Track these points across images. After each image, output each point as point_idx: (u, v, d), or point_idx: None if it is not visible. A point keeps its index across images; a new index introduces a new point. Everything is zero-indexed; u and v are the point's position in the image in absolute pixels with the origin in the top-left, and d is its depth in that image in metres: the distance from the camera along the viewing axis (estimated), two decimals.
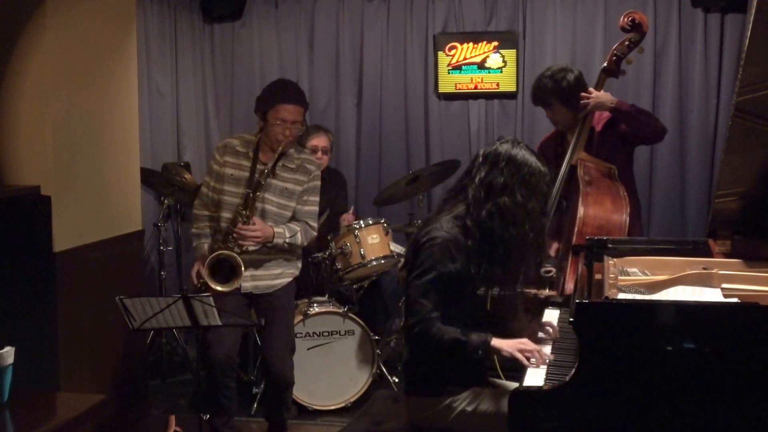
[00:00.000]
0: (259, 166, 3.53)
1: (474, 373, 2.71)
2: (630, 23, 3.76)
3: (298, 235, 3.60)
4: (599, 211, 3.58)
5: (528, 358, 2.54)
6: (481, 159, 2.66)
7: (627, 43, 3.77)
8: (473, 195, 2.60)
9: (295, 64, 5.54)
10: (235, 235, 3.45)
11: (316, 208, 3.71)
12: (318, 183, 3.70)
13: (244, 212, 3.44)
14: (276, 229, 3.52)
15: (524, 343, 2.59)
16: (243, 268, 3.43)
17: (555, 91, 3.83)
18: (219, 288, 3.42)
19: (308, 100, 3.67)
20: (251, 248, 3.50)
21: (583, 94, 3.76)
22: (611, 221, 3.56)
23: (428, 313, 2.52)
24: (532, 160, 2.62)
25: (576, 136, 3.78)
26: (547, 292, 3.58)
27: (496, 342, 2.56)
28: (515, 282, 2.70)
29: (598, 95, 3.74)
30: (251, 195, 3.46)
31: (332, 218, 4.82)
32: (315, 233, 3.73)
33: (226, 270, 3.45)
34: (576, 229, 3.53)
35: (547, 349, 2.66)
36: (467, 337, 2.53)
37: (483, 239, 2.58)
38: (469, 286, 2.62)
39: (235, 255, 3.43)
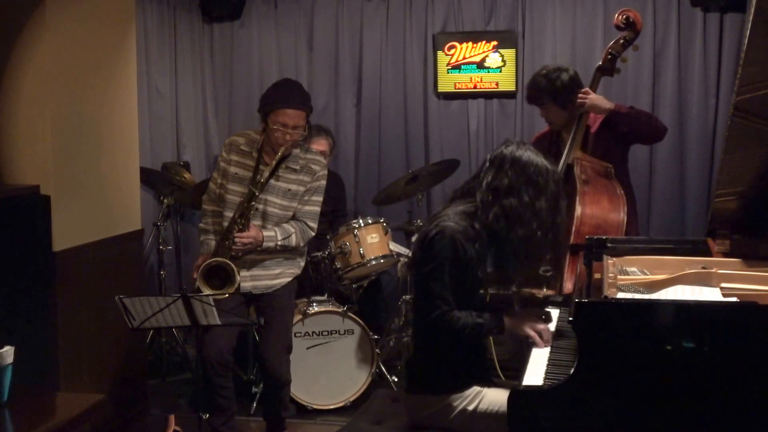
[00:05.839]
0: (263, 168, 3.50)
1: (474, 372, 2.71)
2: (624, 21, 3.74)
3: (293, 236, 3.56)
4: (596, 210, 3.58)
5: (539, 335, 2.65)
6: (487, 164, 2.70)
7: (621, 41, 3.76)
8: (481, 199, 2.64)
9: (294, 63, 5.54)
10: (232, 241, 3.43)
11: (317, 209, 3.66)
12: (323, 183, 3.66)
13: (239, 220, 3.43)
14: (266, 233, 3.48)
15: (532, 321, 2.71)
16: (237, 274, 3.40)
17: (548, 90, 3.83)
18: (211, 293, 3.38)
19: None
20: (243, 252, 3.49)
21: (580, 93, 3.75)
22: (608, 220, 3.56)
23: (449, 305, 2.57)
24: (538, 159, 2.65)
25: (572, 135, 3.77)
26: (544, 291, 3.58)
27: (508, 321, 2.66)
28: (525, 281, 2.75)
29: (593, 97, 3.73)
30: (246, 204, 3.43)
31: (333, 220, 4.82)
32: (313, 233, 3.68)
33: (221, 275, 3.42)
34: (573, 228, 3.53)
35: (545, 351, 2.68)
36: (483, 318, 2.61)
37: (490, 242, 2.63)
38: (473, 279, 2.66)
39: (228, 261, 3.39)
